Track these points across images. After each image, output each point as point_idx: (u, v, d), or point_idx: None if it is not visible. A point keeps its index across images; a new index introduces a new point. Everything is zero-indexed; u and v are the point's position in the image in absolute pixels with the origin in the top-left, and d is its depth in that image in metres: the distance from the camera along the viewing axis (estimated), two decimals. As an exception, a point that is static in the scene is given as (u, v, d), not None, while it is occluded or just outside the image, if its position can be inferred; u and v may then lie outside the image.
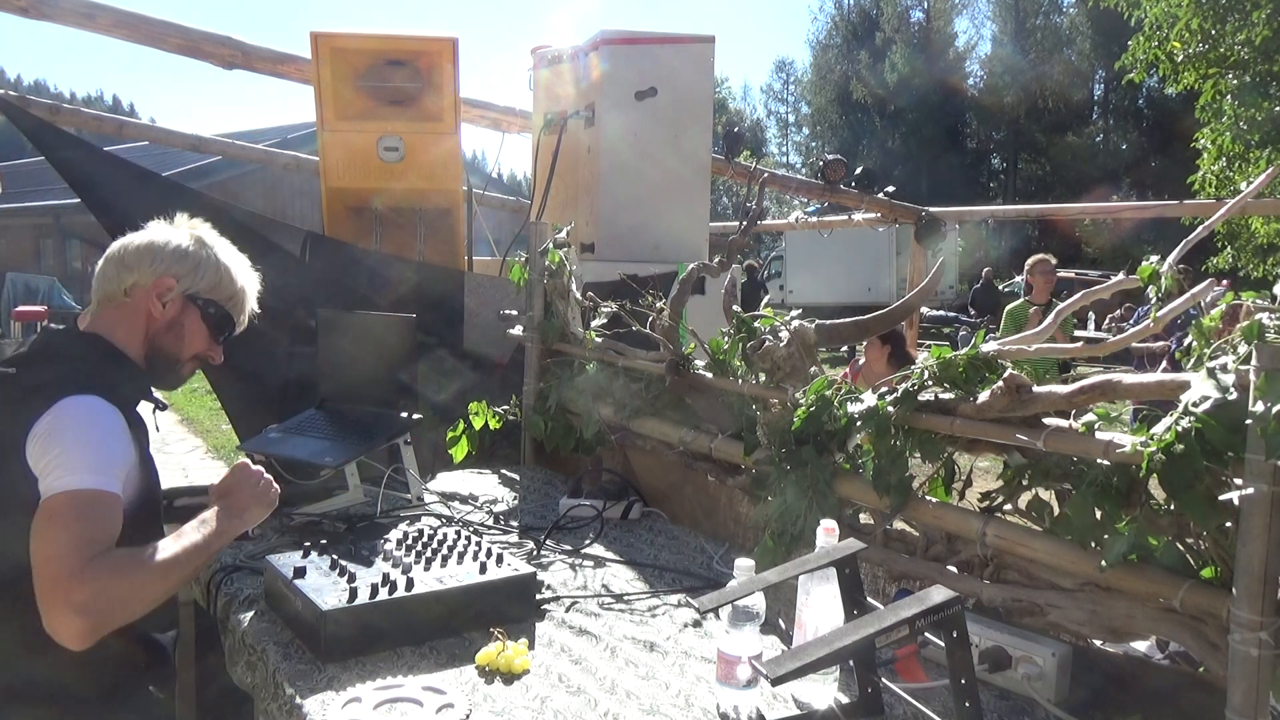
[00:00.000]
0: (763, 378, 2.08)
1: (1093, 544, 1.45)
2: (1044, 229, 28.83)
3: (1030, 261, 6.99)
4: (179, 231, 1.89)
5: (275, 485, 1.84)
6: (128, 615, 1.48)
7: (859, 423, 1.79)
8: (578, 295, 2.96)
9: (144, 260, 1.82)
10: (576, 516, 2.37)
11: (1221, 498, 1.24)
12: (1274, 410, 1.14)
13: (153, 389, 1.93)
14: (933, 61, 39.23)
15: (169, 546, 1.56)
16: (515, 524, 2.37)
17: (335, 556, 1.77)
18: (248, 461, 1.86)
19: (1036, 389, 1.53)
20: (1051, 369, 5.95)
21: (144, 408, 1.86)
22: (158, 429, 1.93)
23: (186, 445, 8.45)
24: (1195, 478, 1.27)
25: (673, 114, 4.06)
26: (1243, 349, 1.27)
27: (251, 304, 1.98)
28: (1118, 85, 28.77)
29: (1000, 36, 41.06)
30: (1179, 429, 1.27)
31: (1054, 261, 7.04)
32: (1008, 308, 6.94)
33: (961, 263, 21.39)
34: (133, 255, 1.82)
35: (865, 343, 5.28)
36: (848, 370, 5.63)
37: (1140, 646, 1.71)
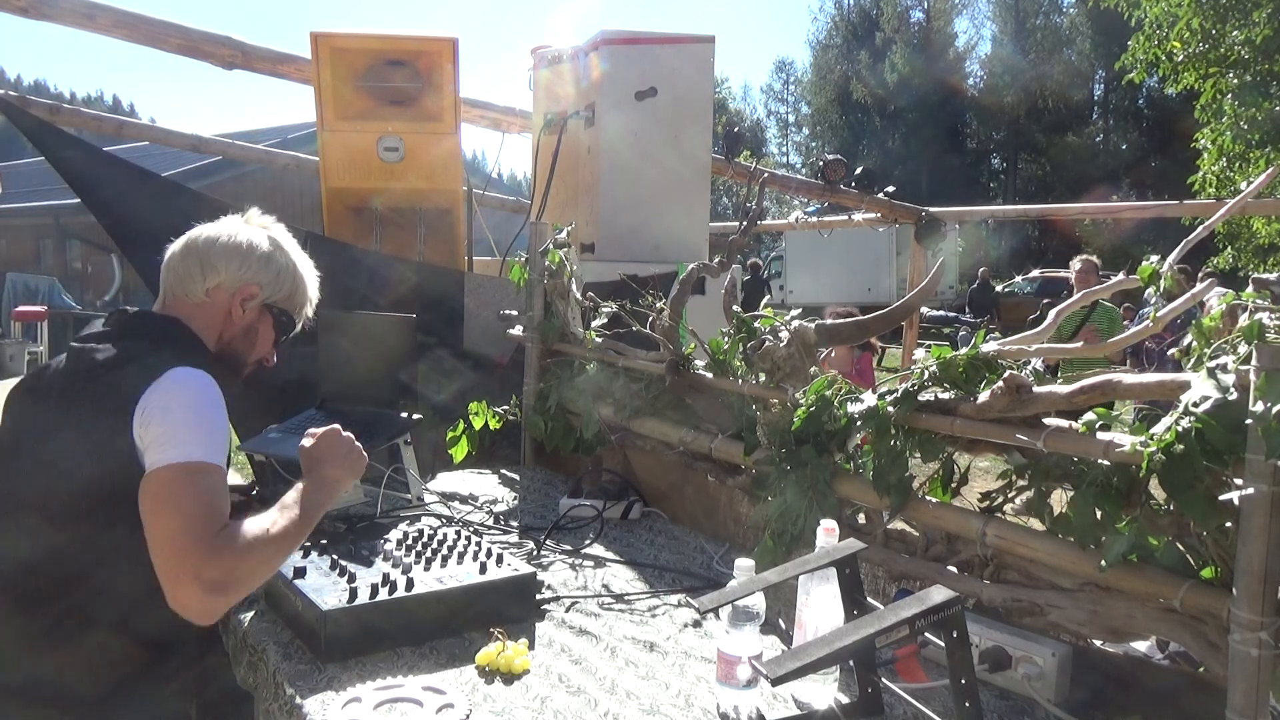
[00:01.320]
0: (763, 378, 2.08)
1: (1093, 544, 1.45)
2: (1044, 229, 28.88)
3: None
4: (257, 232, 1.83)
5: (363, 451, 1.73)
6: (250, 589, 1.48)
7: (859, 423, 1.79)
8: (578, 295, 2.96)
9: (231, 264, 1.77)
10: (576, 516, 2.37)
11: (1221, 498, 1.24)
12: (1274, 410, 1.14)
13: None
14: (933, 61, 39.21)
15: (279, 520, 1.50)
16: (515, 524, 2.37)
17: (335, 556, 1.78)
18: (337, 428, 1.71)
19: (1036, 389, 1.53)
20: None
21: None
22: None
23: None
24: (1195, 478, 1.27)
25: (673, 114, 4.07)
26: (1243, 349, 1.26)
27: (310, 311, 1.95)
28: (1118, 85, 28.78)
29: (1000, 36, 41.05)
30: (1179, 429, 1.27)
31: (1097, 261, 6.97)
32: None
33: (961, 263, 21.38)
34: (219, 256, 1.77)
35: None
36: None
37: (1140, 646, 1.71)
